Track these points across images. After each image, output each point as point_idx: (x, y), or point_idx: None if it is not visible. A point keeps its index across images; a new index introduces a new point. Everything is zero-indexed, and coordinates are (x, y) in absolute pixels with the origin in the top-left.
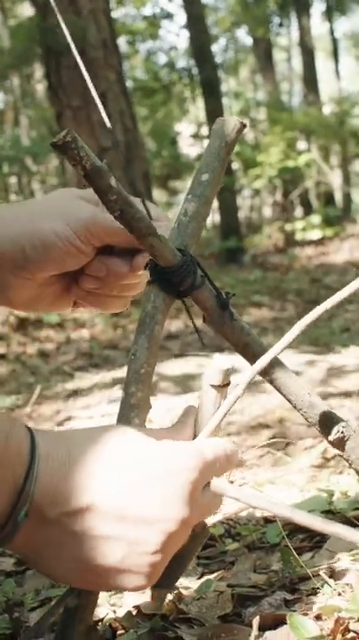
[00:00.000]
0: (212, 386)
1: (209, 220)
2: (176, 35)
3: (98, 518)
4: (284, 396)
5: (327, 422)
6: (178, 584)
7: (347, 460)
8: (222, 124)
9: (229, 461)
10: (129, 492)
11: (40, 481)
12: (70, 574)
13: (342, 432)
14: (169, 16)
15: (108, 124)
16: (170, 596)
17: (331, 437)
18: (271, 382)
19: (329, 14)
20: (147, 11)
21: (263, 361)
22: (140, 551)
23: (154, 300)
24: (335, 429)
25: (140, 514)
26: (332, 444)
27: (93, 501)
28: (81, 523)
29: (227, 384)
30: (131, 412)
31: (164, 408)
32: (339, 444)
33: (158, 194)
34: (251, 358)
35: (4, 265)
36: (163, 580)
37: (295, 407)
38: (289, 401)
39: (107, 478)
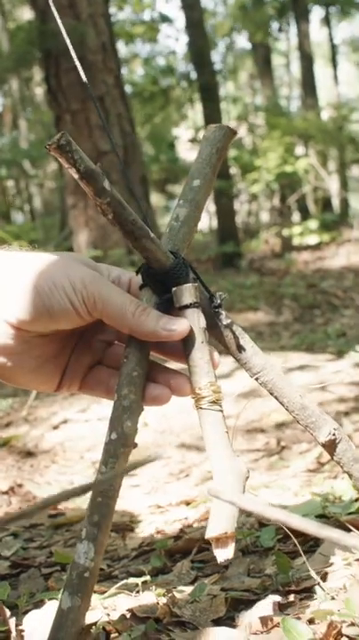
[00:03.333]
0: (186, 306)
1: (206, 225)
2: (175, 39)
3: None
4: (276, 398)
5: (319, 424)
6: (172, 587)
7: (339, 463)
8: (213, 130)
9: None
10: None
11: None
12: None
13: (334, 434)
14: (167, 20)
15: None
16: (164, 599)
17: (322, 439)
18: (263, 385)
19: (327, 20)
20: (147, 15)
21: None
22: None
23: (146, 304)
24: (326, 431)
25: None
26: (324, 446)
27: None
28: None
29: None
30: (124, 414)
31: (160, 413)
32: (331, 446)
33: (156, 198)
34: (244, 360)
35: None
36: None
37: (287, 409)
38: (281, 403)
39: None
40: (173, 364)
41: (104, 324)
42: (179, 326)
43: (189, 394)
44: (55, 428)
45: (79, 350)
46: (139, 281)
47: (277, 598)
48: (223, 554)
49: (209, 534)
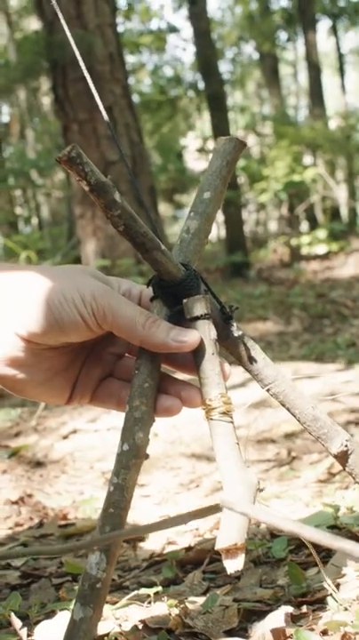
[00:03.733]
0: (196, 317)
1: (215, 235)
2: (182, 49)
3: None
4: (288, 409)
5: (331, 436)
6: (184, 598)
7: (351, 474)
8: (223, 143)
9: None
10: None
11: None
12: None
13: (346, 445)
14: (175, 30)
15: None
16: (176, 610)
17: (334, 451)
18: (275, 396)
19: (335, 30)
20: (154, 25)
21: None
22: None
23: (157, 315)
24: (338, 442)
25: None
26: (336, 457)
27: None
28: None
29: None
30: (135, 425)
31: (170, 424)
32: (343, 457)
33: (164, 208)
34: (255, 372)
35: None
36: None
37: (299, 421)
38: (293, 414)
39: None
40: (183, 376)
41: (114, 336)
42: (189, 337)
43: (200, 405)
44: (65, 437)
45: (90, 363)
46: (149, 293)
47: (290, 609)
48: (233, 565)
49: (219, 545)
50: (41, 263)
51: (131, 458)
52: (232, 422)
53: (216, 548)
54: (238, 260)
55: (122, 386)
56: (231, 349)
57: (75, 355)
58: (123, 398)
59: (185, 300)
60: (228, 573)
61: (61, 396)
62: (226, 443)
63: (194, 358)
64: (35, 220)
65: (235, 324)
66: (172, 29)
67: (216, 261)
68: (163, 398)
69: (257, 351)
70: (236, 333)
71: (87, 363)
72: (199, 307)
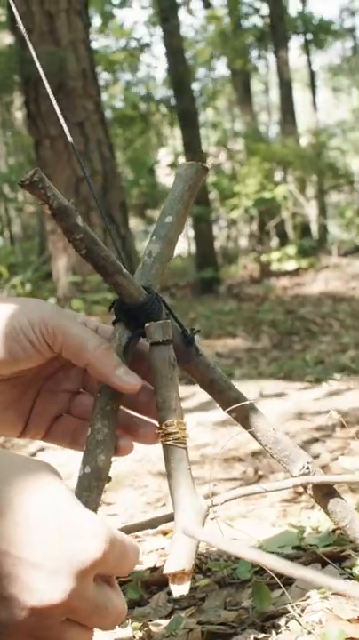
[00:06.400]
0: (157, 342)
1: (185, 250)
2: (154, 67)
3: None
4: (250, 432)
5: (293, 458)
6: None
7: (313, 497)
8: (185, 167)
9: (127, 561)
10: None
11: None
12: None
13: (307, 468)
14: (148, 46)
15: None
16: (140, 633)
17: (296, 473)
18: (236, 419)
19: (306, 47)
20: (124, 42)
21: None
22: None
23: (119, 338)
24: (300, 465)
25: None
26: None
27: None
28: None
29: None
30: (97, 447)
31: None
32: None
33: (135, 222)
34: (217, 394)
35: None
36: None
37: (261, 443)
38: (254, 437)
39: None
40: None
41: (67, 371)
42: (132, 381)
43: (156, 442)
44: (32, 455)
45: (44, 399)
46: (106, 330)
47: (254, 634)
48: (179, 590)
49: (167, 570)
50: (12, 278)
51: (92, 480)
52: (186, 448)
53: (164, 572)
54: (208, 275)
55: (77, 424)
56: (192, 372)
57: (27, 387)
58: (78, 437)
59: (147, 325)
60: (174, 596)
61: (13, 429)
62: (179, 468)
63: (153, 382)
64: (6, 234)
65: (196, 347)
66: (145, 46)
67: (186, 277)
68: (120, 438)
69: (218, 374)
70: (197, 357)
71: (41, 398)
72: (160, 332)
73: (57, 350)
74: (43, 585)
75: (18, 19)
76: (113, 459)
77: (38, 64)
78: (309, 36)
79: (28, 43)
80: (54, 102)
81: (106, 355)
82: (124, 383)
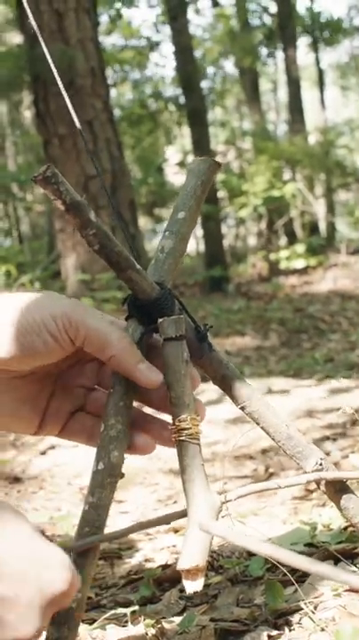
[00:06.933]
0: (170, 338)
1: (194, 249)
2: (162, 66)
3: None
4: (262, 428)
5: (305, 454)
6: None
7: (326, 493)
8: (198, 163)
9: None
10: None
11: None
12: None
13: (321, 464)
14: (157, 45)
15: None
16: (152, 630)
17: (309, 470)
18: (249, 415)
19: (315, 46)
20: (135, 41)
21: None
22: None
23: (132, 334)
24: (313, 462)
25: None
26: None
27: None
28: None
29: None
30: (111, 444)
31: None
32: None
33: (144, 221)
34: (230, 390)
35: None
36: None
37: (273, 439)
38: (267, 433)
39: None
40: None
41: (82, 367)
42: (154, 376)
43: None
44: (43, 453)
45: (59, 395)
46: (120, 325)
47: (267, 631)
48: (192, 586)
49: (181, 566)
50: (21, 277)
51: (106, 476)
52: (199, 444)
53: (177, 568)
54: (217, 274)
55: (94, 421)
56: (205, 368)
57: (43, 383)
58: (94, 434)
59: (160, 320)
60: (187, 593)
61: (29, 426)
62: (192, 464)
63: (165, 378)
64: (15, 234)
65: (209, 343)
66: (154, 45)
67: (195, 276)
68: (140, 436)
69: (231, 370)
70: (210, 352)
71: (57, 395)
72: (173, 327)
73: (79, 344)
74: (17, 619)
75: (30, 16)
76: (132, 456)
77: (50, 61)
78: (318, 34)
79: (41, 40)
80: (67, 100)
81: (129, 349)
82: (146, 378)
